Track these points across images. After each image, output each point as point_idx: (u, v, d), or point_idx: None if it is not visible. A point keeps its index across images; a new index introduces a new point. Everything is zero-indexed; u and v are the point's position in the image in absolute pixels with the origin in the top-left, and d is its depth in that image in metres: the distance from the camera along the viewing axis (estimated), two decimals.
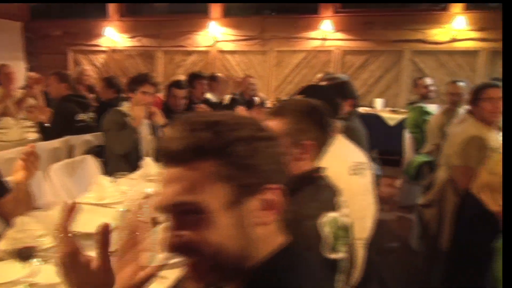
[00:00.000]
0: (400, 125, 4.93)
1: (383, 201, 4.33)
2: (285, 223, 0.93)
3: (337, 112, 1.64)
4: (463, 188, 2.30)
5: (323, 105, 1.15)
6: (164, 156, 0.63)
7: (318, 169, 1.10)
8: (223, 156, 0.61)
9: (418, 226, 2.80)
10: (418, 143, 3.80)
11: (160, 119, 2.75)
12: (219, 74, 5.00)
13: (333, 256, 0.95)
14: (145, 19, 7.35)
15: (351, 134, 2.42)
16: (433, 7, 5.77)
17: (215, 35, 6.76)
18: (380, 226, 3.73)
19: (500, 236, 1.75)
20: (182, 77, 4.11)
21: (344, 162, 1.54)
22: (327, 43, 6.21)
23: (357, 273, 1.52)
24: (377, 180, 3.83)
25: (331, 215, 0.98)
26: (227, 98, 3.94)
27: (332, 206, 1.03)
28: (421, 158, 3.16)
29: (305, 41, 6.36)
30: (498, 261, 1.70)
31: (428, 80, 4.40)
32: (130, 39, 7.41)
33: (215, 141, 0.61)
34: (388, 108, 5.78)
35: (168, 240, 0.63)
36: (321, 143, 1.08)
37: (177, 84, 3.18)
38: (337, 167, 1.49)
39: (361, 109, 5.73)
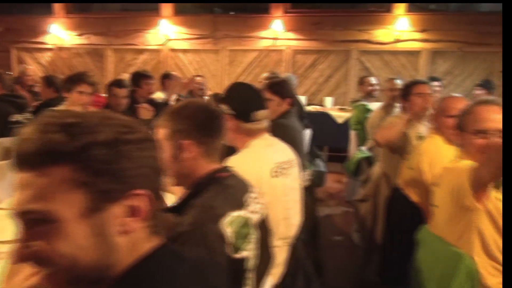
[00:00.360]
0: (348, 123, 5.09)
1: (331, 197, 4.47)
2: (186, 226, 0.94)
3: (248, 112, 1.64)
4: (380, 144, 2.40)
5: (215, 105, 1.16)
6: (16, 160, 0.58)
7: (222, 169, 1.11)
8: (78, 160, 0.57)
9: (356, 221, 2.90)
10: (361, 139, 3.93)
11: None
12: (174, 73, 4.96)
13: (237, 255, 0.96)
14: (93, 16, 7.12)
15: (285, 133, 2.47)
16: (378, 8, 5.98)
17: (167, 33, 6.66)
18: (326, 221, 3.85)
19: (420, 228, 1.84)
20: (125, 76, 4.02)
21: (266, 165, 1.55)
22: (278, 42, 6.28)
23: (279, 270, 1.55)
24: (323, 176, 3.93)
25: (235, 214, 0.99)
26: (173, 98, 3.89)
27: (239, 204, 1.04)
28: (360, 154, 3.27)
29: (257, 40, 6.40)
30: (418, 252, 1.79)
31: (373, 79, 4.56)
32: (78, 37, 7.14)
33: (69, 144, 0.56)
34: (337, 107, 5.94)
35: (18, 250, 0.58)
36: (205, 142, 1.09)
37: (117, 83, 3.10)
38: (258, 170, 1.52)
39: (311, 108, 5.87)
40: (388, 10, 5.85)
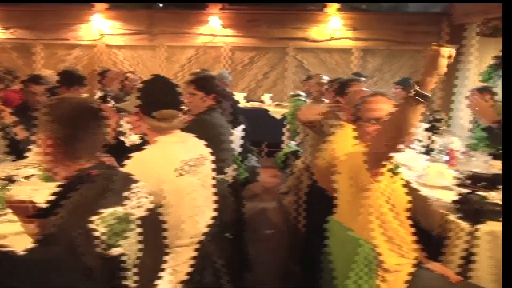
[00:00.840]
0: (285, 118, 5.20)
1: (266, 191, 4.54)
2: (52, 227, 0.91)
3: (152, 108, 1.61)
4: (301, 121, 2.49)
5: (84, 100, 1.13)
6: None
7: (94, 166, 1.08)
8: None
9: (281, 213, 2.97)
10: (293, 134, 4.03)
11: (8, 118, 2.51)
12: (112, 69, 4.82)
13: (110, 252, 0.94)
14: (19, 9, 6.67)
15: (207, 129, 2.47)
16: (312, 7, 6.16)
17: (100, 28, 6.41)
18: (260, 215, 3.90)
19: (329, 216, 1.91)
20: (47, 72, 3.82)
21: (169, 163, 1.53)
22: (216, 39, 6.27)
23: (186, 268, 1.55)
24: (256, 171, 3.98)
25: (108, 211, 0.97)
26: (97, 94, 3.76)
27: (115, 200, 1.01)
28: (288, 148, 3.35)
29: (194, 37, 6.34)
30: (328, 241, 1.86)
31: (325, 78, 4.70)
32: (2, 31, 6.67)
33: None
34: (275, 103, 6.05)
35: None
36: (70, 139, 1.06)
37: (33, 80, 2.94)
38: (160, 169, 1.49)
39: (250, 104, 5.93)
40: (322, 9, 6.03)
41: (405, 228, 1.65)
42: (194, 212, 1.60)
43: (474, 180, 1.72)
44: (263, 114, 5.71)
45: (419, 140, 3.04)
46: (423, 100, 1.25)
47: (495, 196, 1.91)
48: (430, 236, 1.94)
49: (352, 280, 1.58)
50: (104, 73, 4.50)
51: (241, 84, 6.37)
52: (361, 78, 4.08)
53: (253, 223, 3.68)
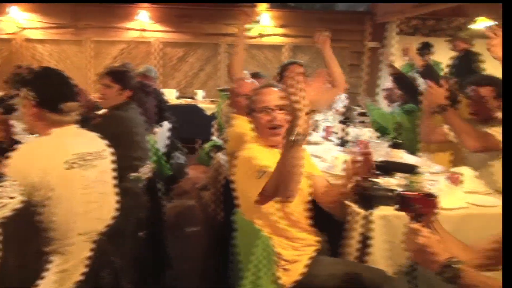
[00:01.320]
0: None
1: (196, 188, 4.51)
2: None
3: (56, 102, 1.54)
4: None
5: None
6: None
7: None
8: None
9: (200, 209, 2.96)
10: (221, 129, 4.03)
11: None
12: (34, 66, 4.52)
13: None
14: None
15: (121, 125, 2.41)
16: (243, 4, 6.19)
17: (19, 21, 5.99)
18: (188, 212, 3.87)
19: (236, 211, 1.92)
20: None
21: (59, 155, 1.46)
22: (147, 34, 6.11)
23: (80, 269, 1.49)
24: (183, 168, 3.93)
25: None
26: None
27: None
28: (210, 144, 3.35)
29: (123, 31, 6.13)
30: (235, 232, 1.88)
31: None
32: None
33: None
34: (208, 99, 6.02)
35: None
36: None
37: None
38: (47, 160, 1.42)
39: (182, 100, 5.86)
40: (253, 6, 6.09)
41: (295, 227, 1.70)
42: (88, 208, 1.54)
43: None
44: (196, 110, 5.67)
45: (335, 133, 3.17)
46: (300, 142, 1.23)
47: (390, 182, 2.05)
48: (333, 222, 2.03)
49: (252, 270, 1.61)
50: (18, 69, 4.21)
51: (174, 80, 6.26)
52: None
53: (180, 221, 3.64)
